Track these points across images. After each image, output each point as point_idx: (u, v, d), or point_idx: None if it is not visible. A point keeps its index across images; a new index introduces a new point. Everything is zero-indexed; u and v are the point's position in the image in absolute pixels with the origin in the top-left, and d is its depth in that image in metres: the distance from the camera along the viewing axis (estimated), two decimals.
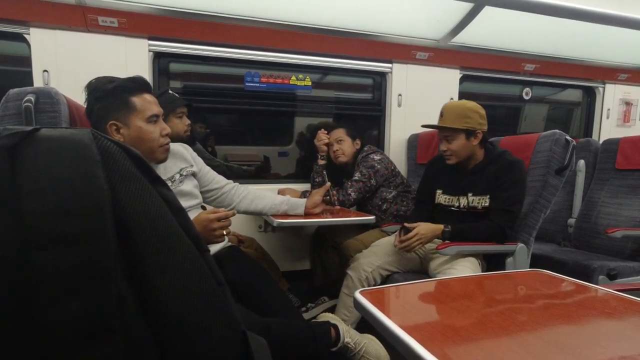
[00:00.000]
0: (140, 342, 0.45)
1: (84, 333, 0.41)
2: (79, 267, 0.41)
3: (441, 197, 1.84)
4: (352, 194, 2.12)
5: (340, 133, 2.34)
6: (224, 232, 1.26)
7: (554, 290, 0.87)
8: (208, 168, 1.65)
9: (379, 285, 1.83)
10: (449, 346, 0.57)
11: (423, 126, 1.85)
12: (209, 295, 0.52)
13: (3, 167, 0.42)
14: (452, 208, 1.79)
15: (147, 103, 1.27)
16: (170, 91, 1.92)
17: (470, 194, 1.74)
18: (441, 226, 1.71)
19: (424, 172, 1.99)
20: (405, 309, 0.74)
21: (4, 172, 0.42)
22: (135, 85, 1.26)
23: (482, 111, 1.72)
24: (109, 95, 1.21)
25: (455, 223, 1.72)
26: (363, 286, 1.80)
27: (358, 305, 0.71)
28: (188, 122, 1.93)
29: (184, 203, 1.28)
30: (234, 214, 1.30)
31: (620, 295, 0.77)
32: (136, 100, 1.25)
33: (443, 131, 1.72)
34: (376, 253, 1.86)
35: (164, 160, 1.35)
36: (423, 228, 1.72)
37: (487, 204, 1.69)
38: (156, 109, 1.29)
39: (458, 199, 1.78)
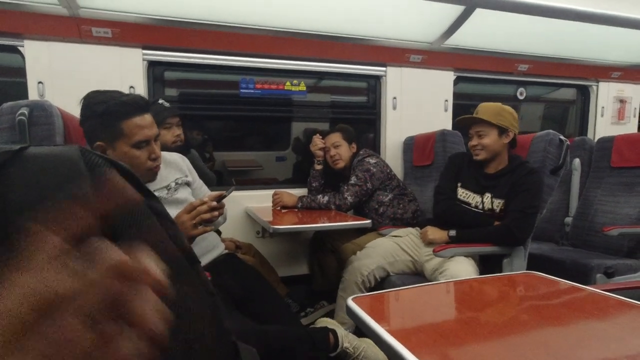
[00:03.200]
0: None
1: None
2: None
3: (459, 191, 1.86)
4: (349, 197, 2.12)
5: (336, 137, 2.34)
6: (194, 222, 1.17)
7: (545, 293, 0.88)
8: (201, 182, 1.64)
9: (374, 286, 1.85)
10: (438, 352, 0.57)
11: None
12: (199, 306, 0.53)
13: None
14: (471, 207, 1.81)
15: (136, 128, 1.20)
16: (160, 101, 1.89)
17: (488, 194, 1.77)
18: (445, 234, 1.76)
19: (446, 167, 1.99)
20: (396, 315, 0.75)
21: None
22: (127, 109, 1.20)
23: (516, 115, 1.82)
24: (97, 117, 1.18)
25: (469, 224, 1.75)
26: (360, 289, 1.82)
27: (350, 312, 0.72)
28: (178, 132, 1.91)
29: (179, 211, 1.27)
30: (202, 202, 1.20)
31: (610, 296, 0.77)
32: (125, 125, 1.19)
33: (476, 127, 1.79)
34: (371, 255, 1.88)
35: (149, 181, 1.33)
36: (431, 232, 1.81)
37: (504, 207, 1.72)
38: (147, 133, 1.23)
39: (475, 197, 1.80)
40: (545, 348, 0.57)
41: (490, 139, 1.76)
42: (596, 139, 2.59)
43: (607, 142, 2.43)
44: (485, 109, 1.78)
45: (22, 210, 0.43)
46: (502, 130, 1.76)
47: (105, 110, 1.17)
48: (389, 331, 0.59)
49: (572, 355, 0.57)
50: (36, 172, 0.46)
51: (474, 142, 1.79)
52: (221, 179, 2.94)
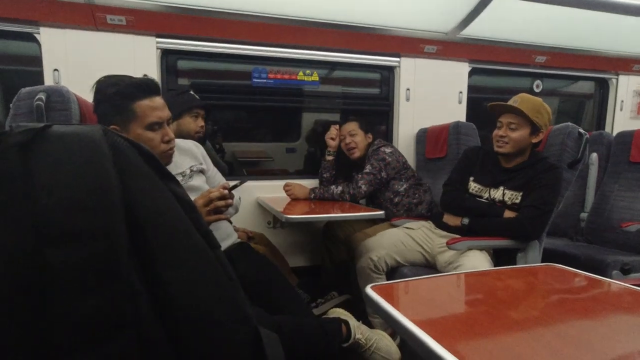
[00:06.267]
0: (154, 337, 0.46)
1: (98, 329, 0.42)
2: (91, 263, 0.42)
3: (471, 185, 1.82)
4: (363, 186, 2.11)
5: (353, 126, 2.33)
6: (208, 209, 1.19)
7: (567, 285, 0.86)
8: (216, 170, 1.64)
9: (385, 272, 1.85)
10: (463, 341, 0.56)
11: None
12: (220, 290, 0.52)
13: (16, 164, 0.42)
14: (481, 199, 1.77)
15: (148, 109, 1.20)
16: (191, 92, 1.95)
17: (502, 187, 1.71)
18: (459, 220, 1.74)
19: (459, 161, 1.95)
20: (417, 304, 0.74)
21: (18, 168, 0.42)
22: (139, 90, 1.20)
23: (551, 116, 1.71)
24: (109, 99, 1.18)
25: (477, 213, 1.73)
26: (374, 272, 1.83)
27: (369, 301, 0.71)
28: (202, 123, 1.94)
29: (194, 198, 1.27)
30: (219, 190, 1.22)
31: (636, 289, 0.75)
32: (137, 106, 1.19)
33: (509, 117, 1.67)
34: (380, 242, 1.88)
35: (164, 165, 1.32)
36: (446, 217, 1.82)
37: (517, 201, 1.67)
38: (159, 114, 1.22)
39: (488, 191, 1.75)
40: (573, 340, 0.55)
41: (521, 134, 1.66)
42: (614, 134, 2.53)
43: (627, 137, 2.37)
44: (526, 101, 1.65)
45: (47, 192, 0.43)
46: (535, 129, 1.66)
47: (116, 91, 1.18)
48: (411, 320, 0.59)
49: (602, 347, 0.55)
50: (60, 151, 0.45)
51: (502, 132, 1.69)
52: (232, 169, 2.94)
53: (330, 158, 2.40)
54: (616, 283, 0.85)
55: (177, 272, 0.49)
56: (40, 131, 0.44)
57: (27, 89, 1.27)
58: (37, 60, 2.07)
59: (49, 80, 2.05)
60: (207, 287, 0.52)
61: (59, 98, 1.26)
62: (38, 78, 2.06)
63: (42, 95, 1.22)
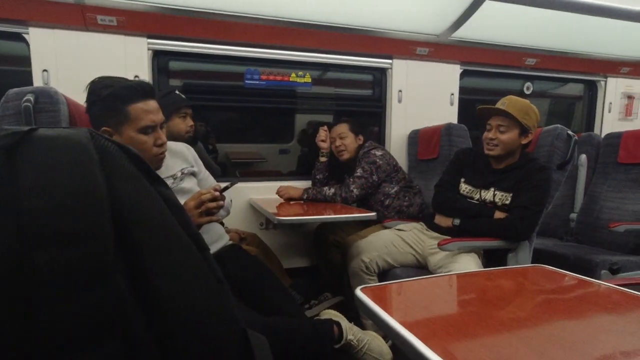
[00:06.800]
0: (141, 340, 0.45)
1: (85, 332, 0.41)
2: (77, 266, 0.41)
3: (462, 186, 1.84)
4: (355, 190, 2.12)
5: (343, 128, 2.33)
6: (199, 211, 1.19)
7: (555, 286, 0.87)
8: (207, 173, 1.63)
9: (377, 273, 1.86)
10: (450, 343, 0.57)
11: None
12: (208, 293, 0.52)
13: (1, 168, 0.42)
14: (472, 200, 1.79)
15: (142, 112, 1.20)
16: (177, 92, 1.94)
17: (493, 189, 1.73)
18: (450, 221, 1.76)
19: (450, 162, 1.96)
20: (406, 306, 0.74)
21: (3, 172, 0.42)
22: (133, 93, 1.19)
23: (539, 117, 1.74)
24: (103, 101, 1.17)
25: (468, 214, 1.74)
26: (366, 274, 1.84)
27: (358, 302, 0.71)
28: (191, 123, 1.94)
29: (185, 200, 1.27)
30: (207, 191, 1.22)
31: (622, 290, 0.76)
32: (131, 109, 1.18)
33: (498, 119, 1.70)
34: (372, 243, 1.89)
35: (156, 169, 1.32)
36: (437, 218, 1.84)
37: (507, 202, 1.69)
38: (153, 118, 1.22)
39: (479, 192, 1.77)
40: (559, 341, 0.56)
41: (510, 136, 1.68)
42: (603, 135, 2.56)
43: (615, 138, 2.41)
44: (514, 103, 1.68)
45: (32, 196, 0.43)
46: (524, 130, 1.69)
47: (110, 93, 1.17)
48: (400, 321, 0.59)
49: (587, 348, 0.56)
50: (46, 154, 0.45)
51: (491, 135, 1.71)
52: (225, 171, 2.94)
53: (323, 159, 2.41)
54: (603, 284, 0.87)
55: (165, 274, 0.49)
56: (25, 135, 0.43)
57: (15, 89, 1.25)
58: (26, 61, 2.04)
59: (38, 81, 2.02)
60: (195, 289, 0.52)
61: (47, 99, 1.24)
62: (27, 78, 2.04)
63: (30, 97, 1.21)
